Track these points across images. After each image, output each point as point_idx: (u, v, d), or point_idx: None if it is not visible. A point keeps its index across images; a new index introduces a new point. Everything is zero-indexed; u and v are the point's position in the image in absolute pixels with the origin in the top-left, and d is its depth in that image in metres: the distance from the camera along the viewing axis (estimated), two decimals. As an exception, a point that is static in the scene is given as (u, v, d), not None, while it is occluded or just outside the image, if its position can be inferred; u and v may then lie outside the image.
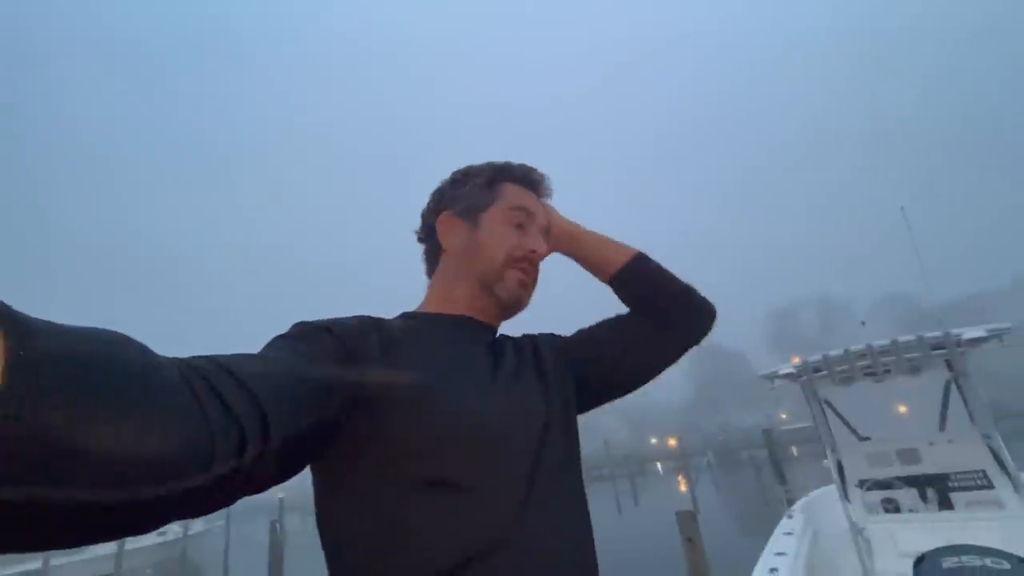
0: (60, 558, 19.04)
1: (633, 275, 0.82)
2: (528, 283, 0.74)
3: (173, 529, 22.36)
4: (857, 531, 4.12)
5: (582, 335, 0.84)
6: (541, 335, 0.82)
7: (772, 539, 3.92)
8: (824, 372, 4.31)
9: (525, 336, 0.81)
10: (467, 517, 0.52)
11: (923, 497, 4.15)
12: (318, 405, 0.47)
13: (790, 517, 4.48)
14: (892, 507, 4.22)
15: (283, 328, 0.56)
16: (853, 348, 4.05)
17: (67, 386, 0.27)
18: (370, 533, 0.52)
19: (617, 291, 0.84)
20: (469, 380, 0.61)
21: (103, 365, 0.29)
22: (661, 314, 0.81)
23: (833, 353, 4.16)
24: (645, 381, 0.83)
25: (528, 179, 0.79)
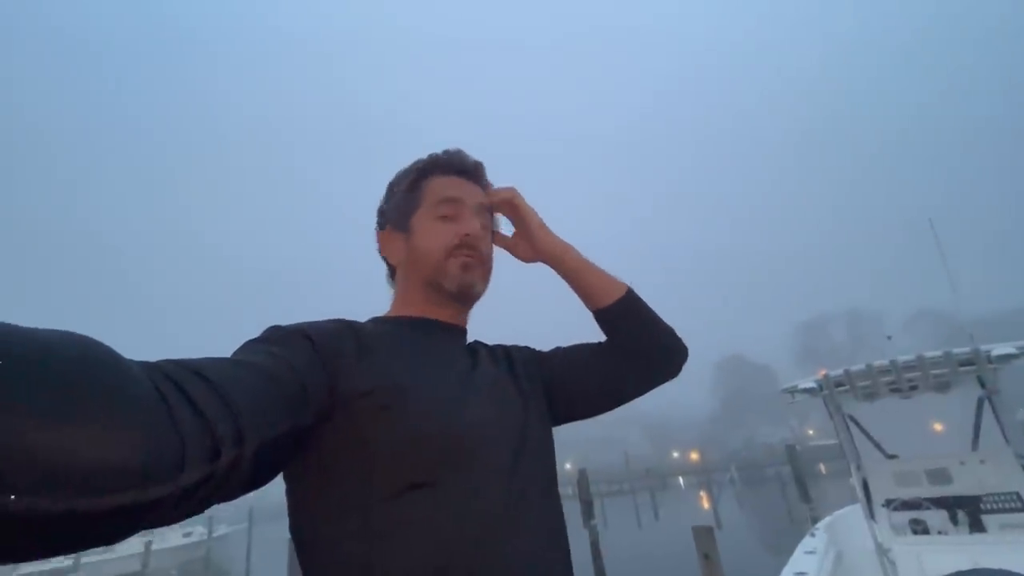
0: (90, 555, 19.64)
1: (623, 312, 0.81)
2: (473, 264, 0.73)
3: (198, 530, 22.88)
4: (883, 552, 3.98)
5: (559, 354, 0.84)
6: (515, 346, 0.83)
7: (793, 558, 3.83)
8: (846, 387, 4.20)
9: (499, 345, 0.82)
10: (450, 519, 0.53)
11: (953, 519, 4.00)
12: (294, 409, 0.46)
13: (813, 536, 4.37)
14: (921, 528, 4.08)
15: (249, 333, 0.54)
16: (876, 363, 3.95)
17: (27, 389, 0.26)
18: (353, 537, 0.51)
19: (601, 322, 0.83)
20: (449, 383, 0.62)
21: (67, 368, 0.28)
22: (641, 352, 0.81)
23: (855, 368, 4.06)
24: (610, 409, 0.84)
25: (453, 166, 0.77)
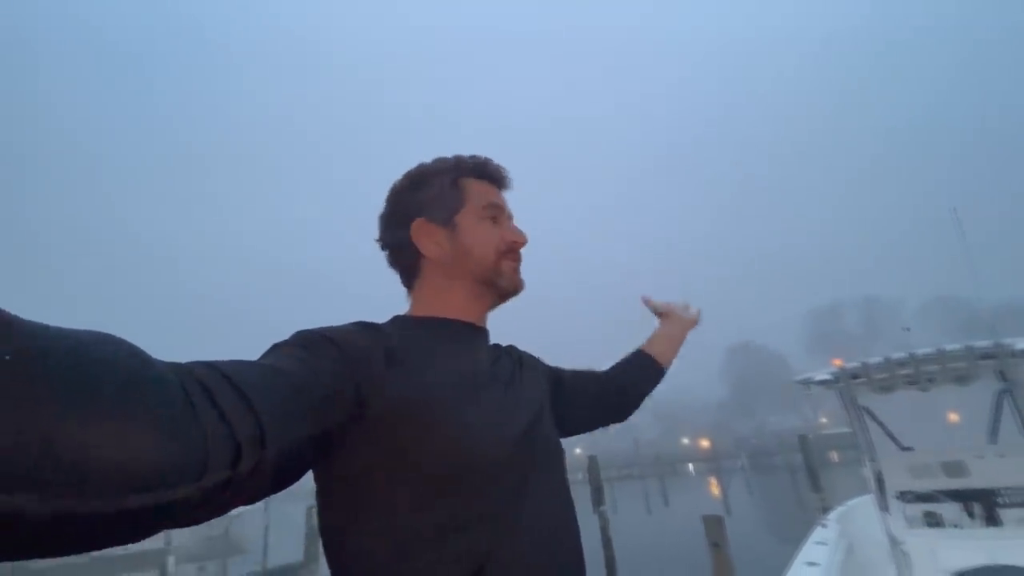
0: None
1: (656, 372, 1.06)
2: (519, 269, 0.77)
3: (217, 508, 23.41)
4: (896, 544, 3.98)
5: (568, 375, 0.91)
6: (527, 354, 0.86)
7: (803, 548, 3.84)
8: (862, 379, 4.17)
9: (514, 348, 0.84)
10: (476, 526, 0.54)
11: (969, 513, 3.97)
12: (318, 417, 0.46)
13: (824, 526, 4.37)
14: (934, 521, 4.06)
15: (279, 334, 0.54)
16: (894, 356, 3.91)
17: (56, 388, 0.26)
18: (382, 543, 0.52)
19: (633, 361, 1.05)
20: (474, 389, 0.62)
21: (95, 367, 0.29)
22: (629, 398, 1.01)
23: (872, 361, 4.02)
24: (578, 434, 0.95)
25: (485, 172, 0.78)
